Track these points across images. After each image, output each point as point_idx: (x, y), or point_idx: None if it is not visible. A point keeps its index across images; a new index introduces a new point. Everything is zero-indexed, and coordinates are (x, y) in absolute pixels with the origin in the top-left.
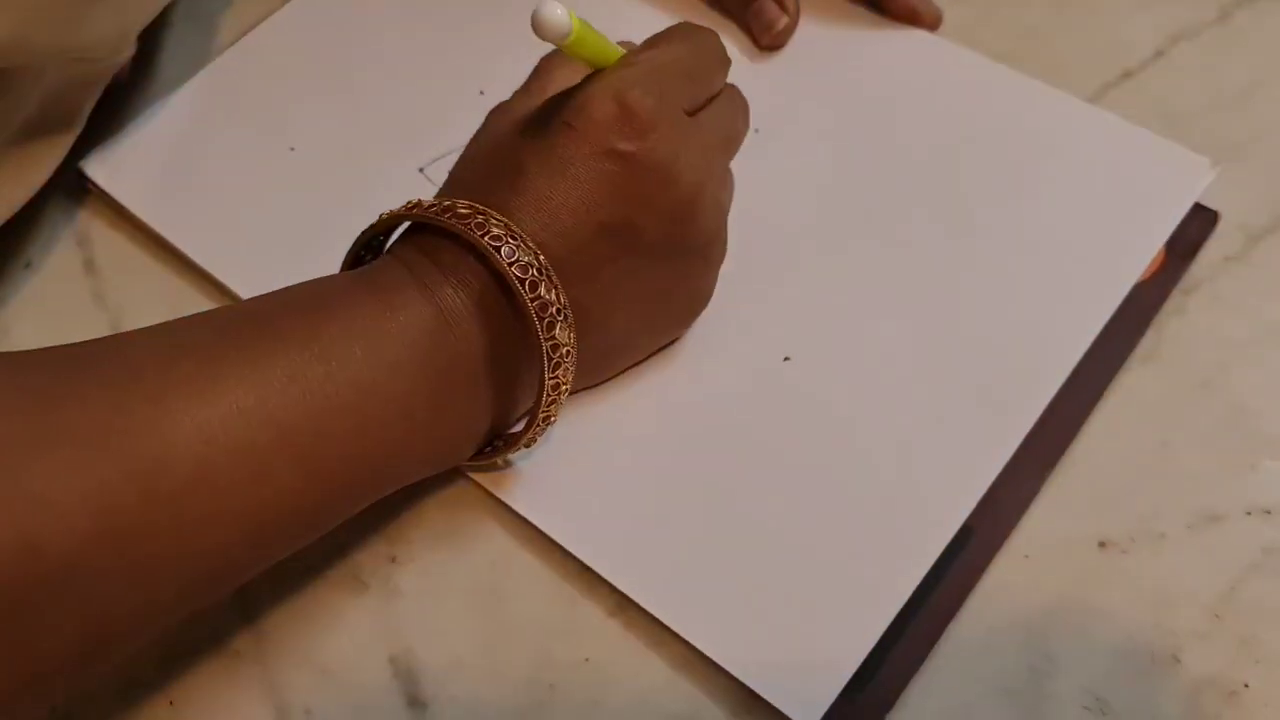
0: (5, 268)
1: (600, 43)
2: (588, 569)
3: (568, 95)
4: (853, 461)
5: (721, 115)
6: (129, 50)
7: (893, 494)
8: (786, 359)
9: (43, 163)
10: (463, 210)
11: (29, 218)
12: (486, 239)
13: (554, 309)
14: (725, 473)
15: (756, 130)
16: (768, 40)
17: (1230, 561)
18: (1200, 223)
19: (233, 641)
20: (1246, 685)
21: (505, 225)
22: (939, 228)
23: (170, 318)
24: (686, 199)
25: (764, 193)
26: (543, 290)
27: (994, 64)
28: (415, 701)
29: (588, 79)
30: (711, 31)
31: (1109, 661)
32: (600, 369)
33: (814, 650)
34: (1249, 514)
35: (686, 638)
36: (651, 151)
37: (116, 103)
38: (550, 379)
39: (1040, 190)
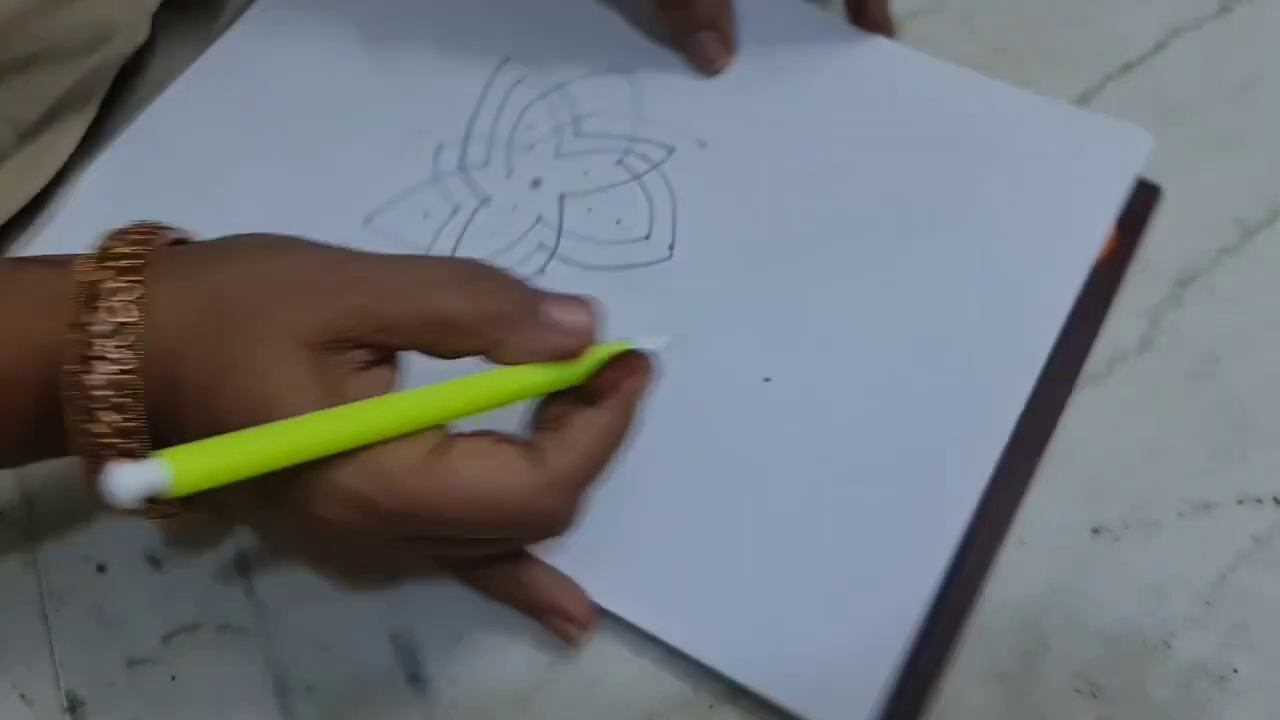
0: (8, 253)
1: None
2: None
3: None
4: (850, 473)
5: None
6: (143, 30)
7: (896, 498)
8: (767, 380)
9: (60, 147)
10: (108, 275)
11: (37, 197)
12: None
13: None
14: (726, 498)
15: (704, 145)
16: (706, 74)
17: (1221, 549)
18: (1144, 198)
19: (235, 617)
20: (1236, 671)
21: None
22: (897, 232)
23: None
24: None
25: (719, 212)
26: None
27: (928, 59)
28: (416, 678)
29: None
30: (580, 484)
31: (1101, 646)
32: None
33: (847, 661)
34: (1240, 503)
35: (719, 669)
36: (311, 535)
37: (135, 97)
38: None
39: (989, 182)
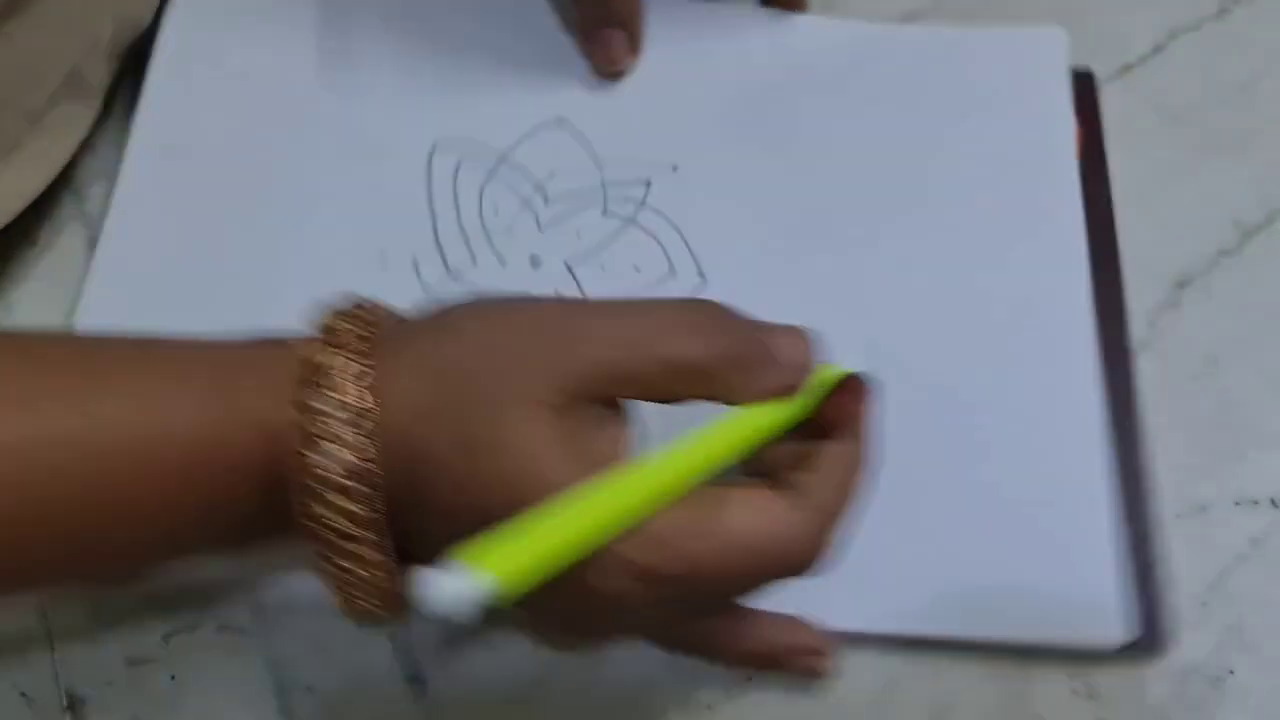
0: (10, 245)
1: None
2: None
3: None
4: (974, 430)
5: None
6: (143, 22)
7: (1029, 433)
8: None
9: (69, 136)
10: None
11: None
12: (308, 425)
13: (341, 526)
14: (885, 486)
15: (676, 167)
16: (605, 75)
17: (1218, 551)
18: (1083, 85)
19: (235, 617)
20: (1232, 672)
21: (359, 416)
22: (885, 208)
23: None
24: (582, 632)
25: (726, 224)
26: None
27: (846, 22)
28: (415, 679)
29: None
30: (830, 524)
31: None
32: None
33: (1071, 583)
34: (1237, 504)
35: (972, 637)
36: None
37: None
38: (339, 598)
39: (957, 125)
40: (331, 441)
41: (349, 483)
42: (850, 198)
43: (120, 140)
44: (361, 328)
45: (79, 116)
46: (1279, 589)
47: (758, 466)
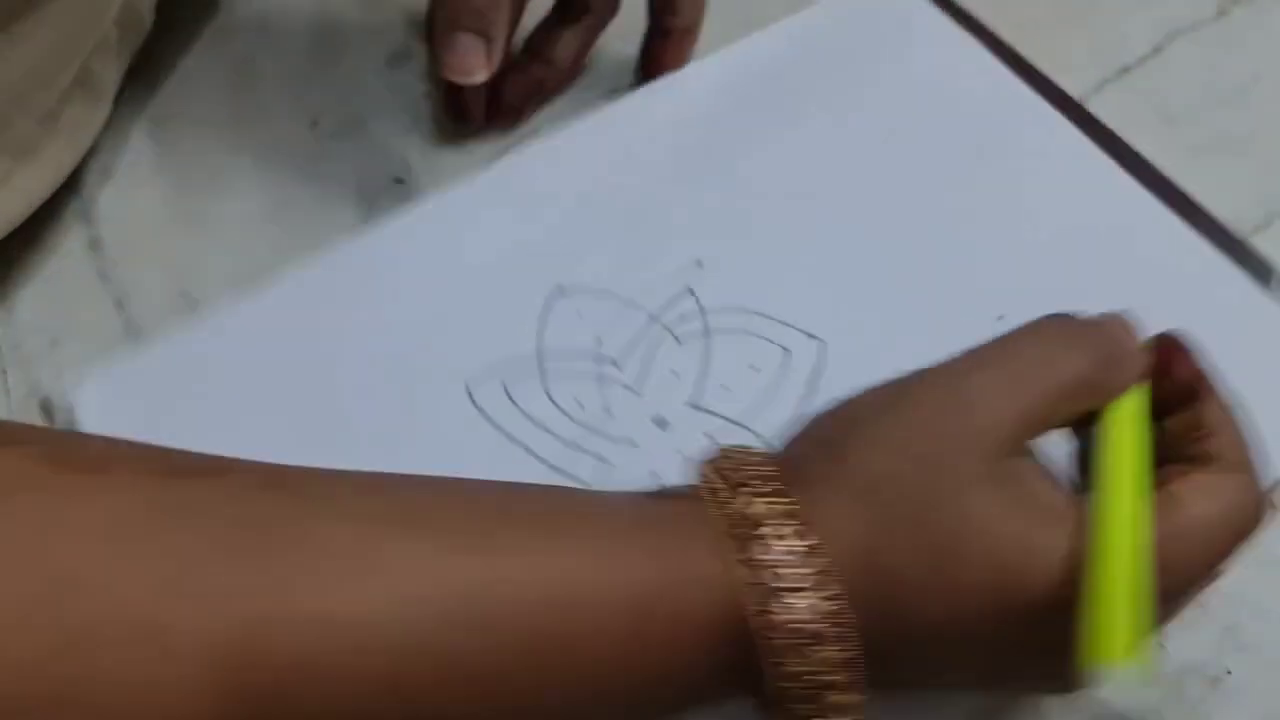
0: (11, 245)
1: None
2: None
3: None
4: None
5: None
6: (146, 16)
7: None
8: None
9: (80, 139)
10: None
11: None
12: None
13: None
14: None
15: (700, 263)
16: (458, 79)
17: None
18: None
19: None
20: (1229, 672)
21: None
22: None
23: (175, 297)
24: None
25: (807, 280)
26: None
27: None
28: None
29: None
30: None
31: None
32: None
33: None
34: None
35: None
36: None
37: (135, 91)
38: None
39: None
40: (794, 591)
41: (824, 628)
42: (900, 213)
43: (123, 140)
44: (758, 466)
45: (90, 117)
46: (1277, 590)
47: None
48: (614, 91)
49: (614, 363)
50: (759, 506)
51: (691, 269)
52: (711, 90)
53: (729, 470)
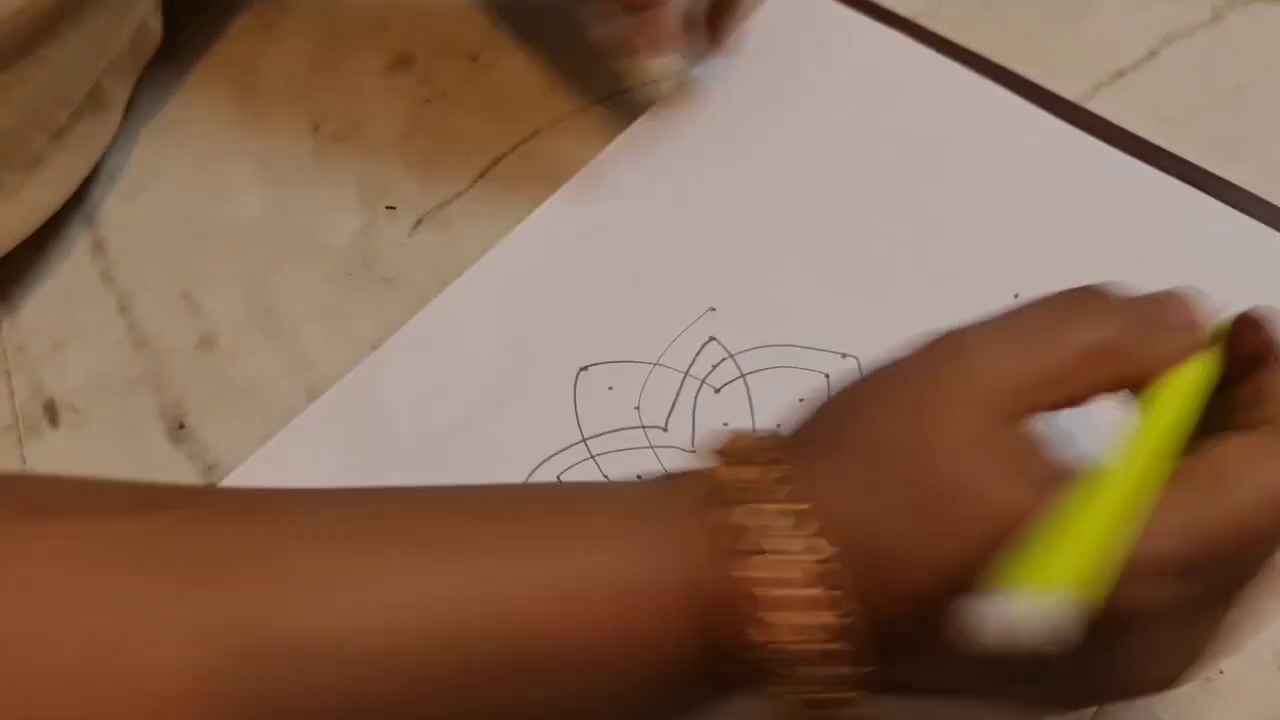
0: (18, 254)
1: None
2: None
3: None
4: None
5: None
6: (156, 30)
7: None
8: None
9: (88, 151)
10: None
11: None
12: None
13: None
14: None
15: (713, 309)
16: (652, 54)
17: None
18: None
19: None
20: (1221, 672)
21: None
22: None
23: (177, 300)
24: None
25: (804, 325)
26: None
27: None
28: None
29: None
30: None
31: None
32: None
33: None
34: None
35: None
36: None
37: (138, 95)
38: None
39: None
40: (781, 554)
41: (818, 591)
42: (864, 208)
43: (127, 144)
44: (756, 442)
45: (100, 130)
46: (1270, 588)
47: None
48: (610, 98)
49: (660, 428)
50: (750, 473)
51: (707, 317)
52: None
53: (727, 445)
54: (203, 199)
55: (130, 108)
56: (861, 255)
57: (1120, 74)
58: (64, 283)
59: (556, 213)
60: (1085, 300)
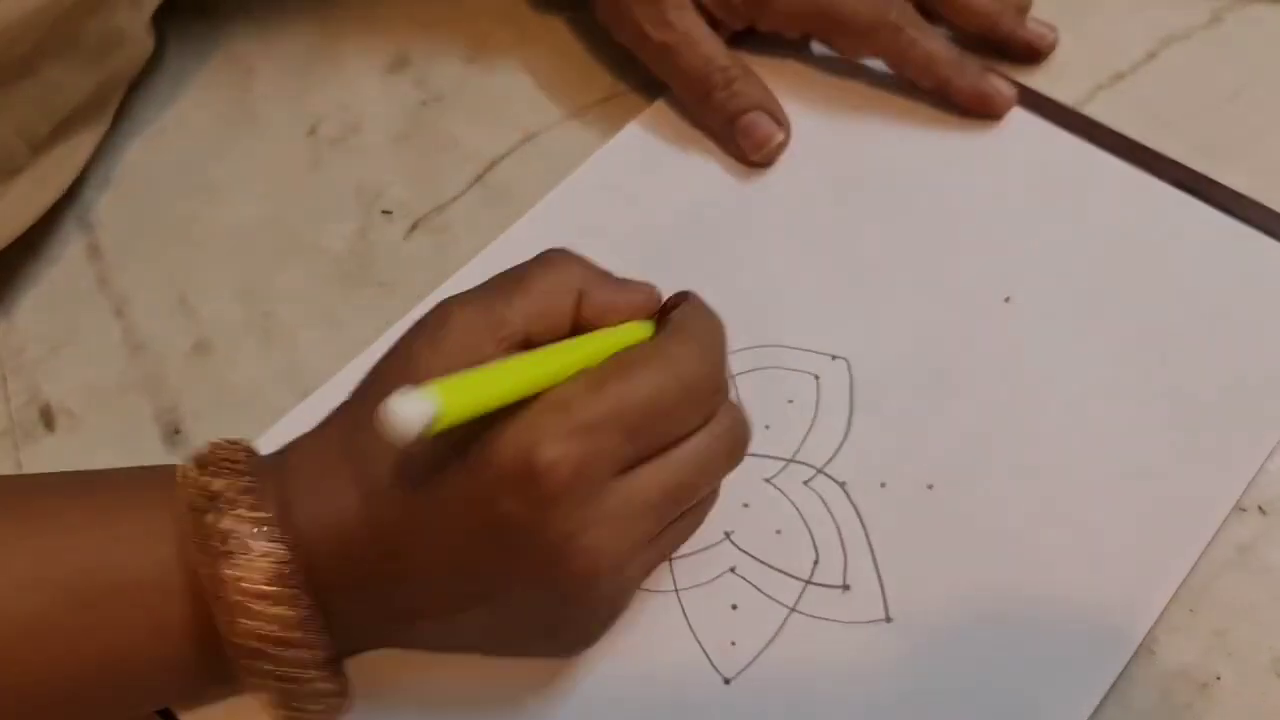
0: (11, 252)
1: (521, 376)
2: None
3: (486, 419)
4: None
5: (675, 472)
6: (147, 43)
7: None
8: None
9: (72, 161)
10: (226, 479)
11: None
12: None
13: (267, 635)
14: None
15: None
16: (759, 157)
17: (1206, 558)
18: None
19: None
20: (1218, 678)
21: (265, 520)
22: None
23: (174, 304)
24: (576, 581)
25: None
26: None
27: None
28: None
29: (519, 406)
30: (713, 347)
31: None
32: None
33: None
34: None
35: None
36: (543, 526)
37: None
38: (276, 704)
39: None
40: (242, 555)
41: (273, 588)
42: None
43: (122, 147)
44: (231, 453)
45: (88, 137)
46: (1266, 595)
47: None
48: (605, 101)
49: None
50: (219, 484)
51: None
52: (662, 139)
53: (207, 456)
54: (199, 202)
55: (126, 111)
56: (852, 256)
57: (1119, 76)
58: (60, 287)
59: (548, 214)
60: (547, 256)
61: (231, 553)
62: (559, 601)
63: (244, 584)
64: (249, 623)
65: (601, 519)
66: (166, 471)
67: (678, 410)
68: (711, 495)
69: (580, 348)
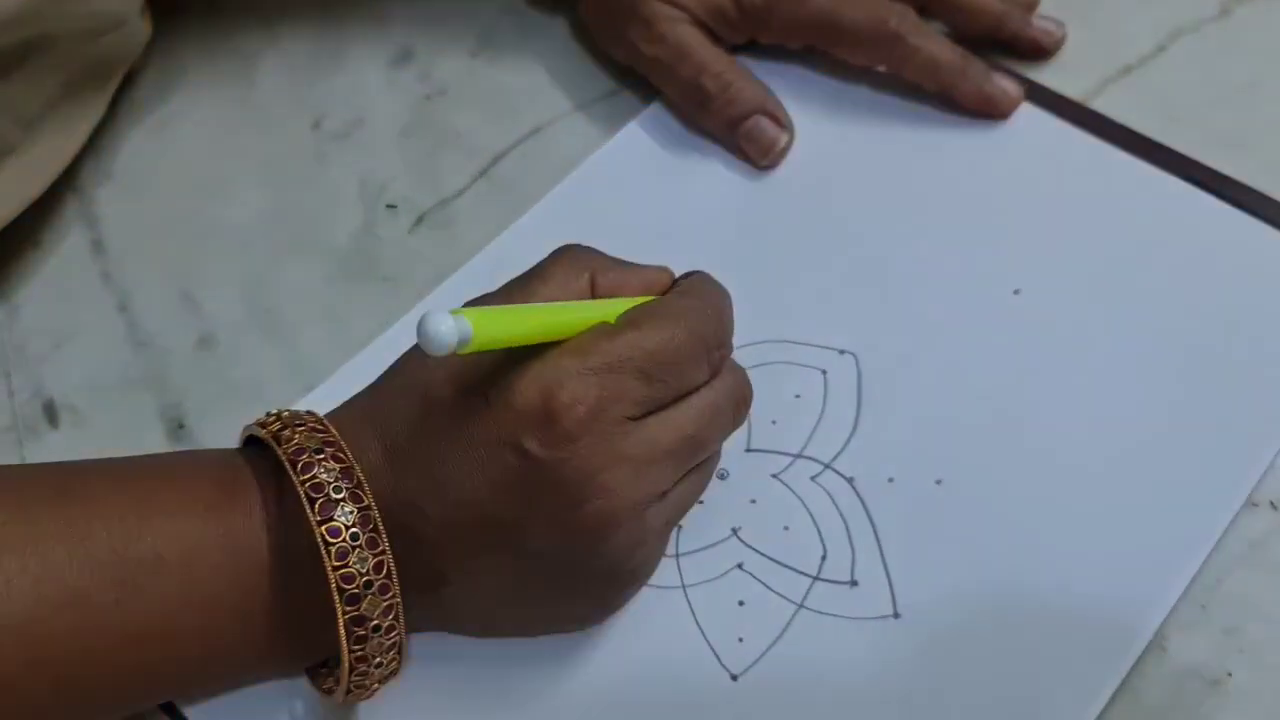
0: (14, 247)
1: (547, 321)
2: None
3: (506, 362)
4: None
5: (686, 420)
6: (142, 28)
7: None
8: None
9: (67, 145)
10: (301, 437)
11: (39, 197)
12: (306, 485)
13: (361, 580)
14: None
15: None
16: (766, 163)
17: (1218, 553)
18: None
19: None
20: (1229, 674)
21: (345, 470)
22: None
23: (177, 299)
24: (594, 523)
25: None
26: (353, 560)
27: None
28: None
29: (539, 351)
30: (717, 306)
31: None
32: (479, 631)
33: None
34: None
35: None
36: (562, 464)
37: (137, 94)
38: (353, 651)
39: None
40: (331, 503)
41: (359, 530)
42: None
43: (125, 142)
44: (305, 419)
45: (83, 120)
46: (1278, 592)
47: None
48: (609, 95)
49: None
50: (300, 437)
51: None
52: (668, 134)
53: (284, 419)
54: (202, 198)
55: (130, 106)
56: (859, 251)
57: (1129, 69)
58: (63, 282)
59: (553, 209)
60: (558, 254)
61: (330, 499)
62: (579, 550)
63: (348, 529)
64: (351, 567)
65: (619, 459)
66: (196, 454)
67: (686, 358)
68: (715, 455)
69: (599, 306)
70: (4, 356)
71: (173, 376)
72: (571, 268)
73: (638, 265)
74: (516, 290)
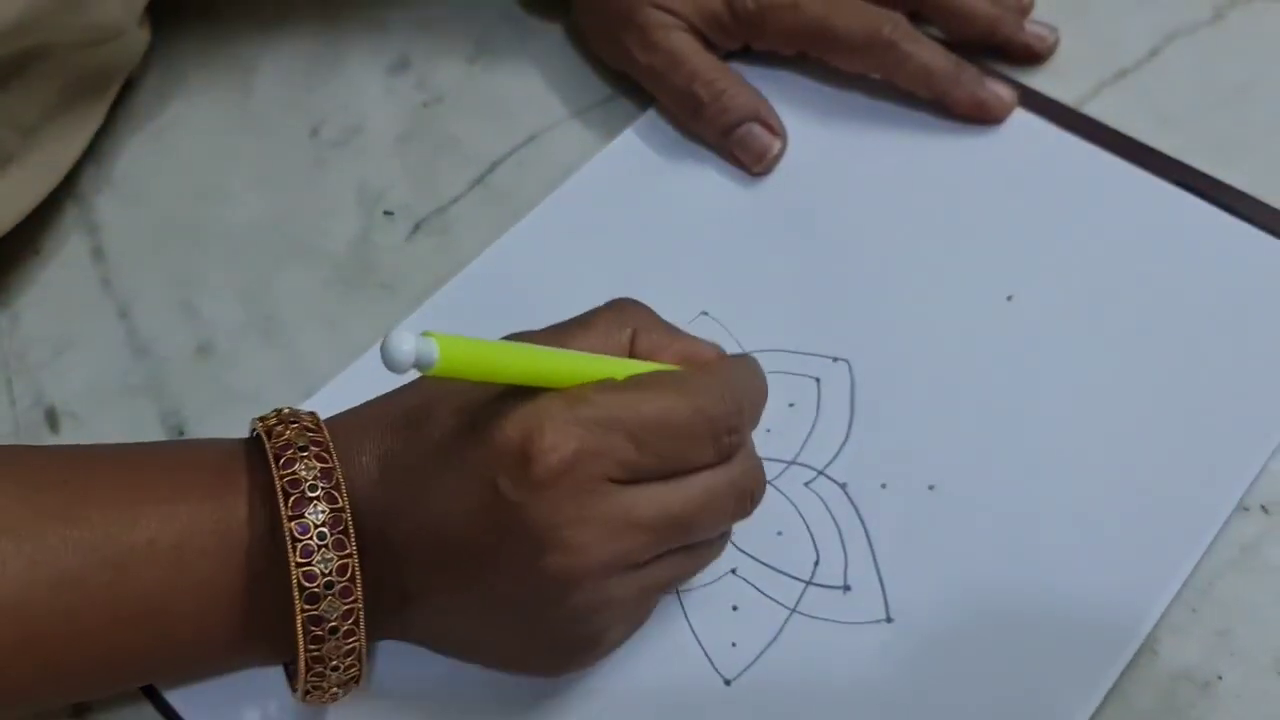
0: (14, 254)
1: (530, 363)
2: None
3: (509, 395)
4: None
5: (674, 499)
6: (141, 37)
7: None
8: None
9: (67, 152)
10: (292, 434)
11: (39, 204)
12: (284, 479)
13: (323, 579)
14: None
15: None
16: (759, 169)
17: (1208, 557)
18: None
19: None
20: (1220, 677)
21: (325, 470)
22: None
23: (177, 306)
24: (554, 576)
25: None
26: (316, 559)
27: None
28: None
29: (539, 392)
30: (737, 390)
31: None
32: (455, 653)
33: None
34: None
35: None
36: (526, 509)
37: (136, 101)
38: (309, 650)
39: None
40: (312, 500)
41: (327, 531)
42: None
43: (125, 149)
44: (300, 418)
45: (82, 128)
46: (1269, 595)
47: None
48: (605, 102)
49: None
50: (291, 434)
51: (700, 320)
52: (663, 141)
53: (282, 416)
54: (201, 204)
55: (130, 113)
56: (852, 257)
57: (1122, 73)
58: (63, 289)
59: (550, 215)
60: (624, 300)
61: (304, 497)
62: (539, 601)
63: (316, 527)
64: (314, 566)
65: (589, 519)
66: (199, 442)
67: (686, 434)
68: (720, 539)
69: (607, 363)
70: (5, 363)
71: (172, 383)
72: (616, 321)
73: (686, 335)
74: (557, 333)
